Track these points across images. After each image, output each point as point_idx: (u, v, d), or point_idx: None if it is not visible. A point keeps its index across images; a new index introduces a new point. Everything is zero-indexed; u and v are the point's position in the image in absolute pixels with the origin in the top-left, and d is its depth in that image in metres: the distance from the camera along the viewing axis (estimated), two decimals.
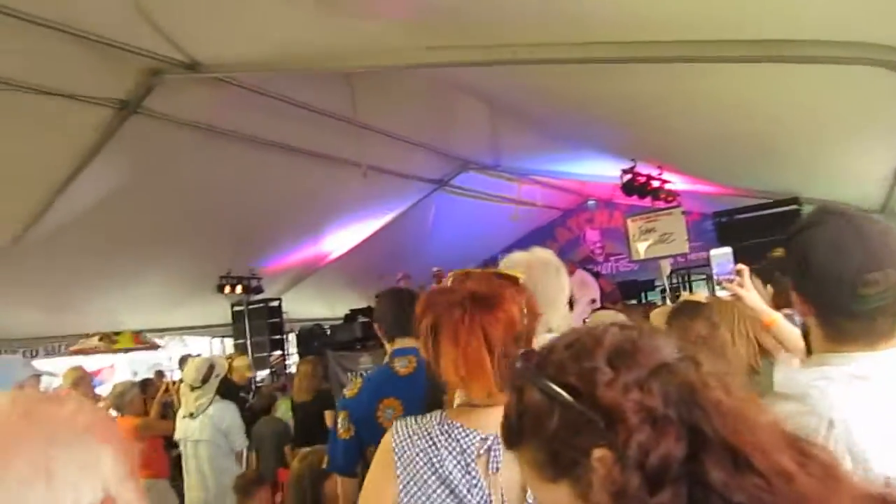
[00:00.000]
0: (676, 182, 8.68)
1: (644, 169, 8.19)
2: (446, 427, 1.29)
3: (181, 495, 5.29)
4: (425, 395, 2.36)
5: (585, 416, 0.70)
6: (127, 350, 7.39)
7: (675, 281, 9.98)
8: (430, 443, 1.28)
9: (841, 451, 1.05)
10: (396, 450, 1.30)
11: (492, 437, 1.23)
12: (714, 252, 2.10)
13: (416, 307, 1.37)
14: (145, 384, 7.60)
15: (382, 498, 1.28)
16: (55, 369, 7.72)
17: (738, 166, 7.48)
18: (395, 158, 8.84)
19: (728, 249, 2.08)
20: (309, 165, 8.18)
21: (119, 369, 13.15)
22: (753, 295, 2.02)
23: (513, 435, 0.80)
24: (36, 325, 8.36)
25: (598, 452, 0.69)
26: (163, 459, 5.26)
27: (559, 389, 0.73)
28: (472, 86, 7.09)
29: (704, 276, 12.60)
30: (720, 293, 2.10)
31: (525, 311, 1.32)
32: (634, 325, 0.81)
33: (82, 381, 5.20)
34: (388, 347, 2.53)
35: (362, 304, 11.54)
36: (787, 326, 2.02)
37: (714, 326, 2.27)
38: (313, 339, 10.82)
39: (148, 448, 5.06)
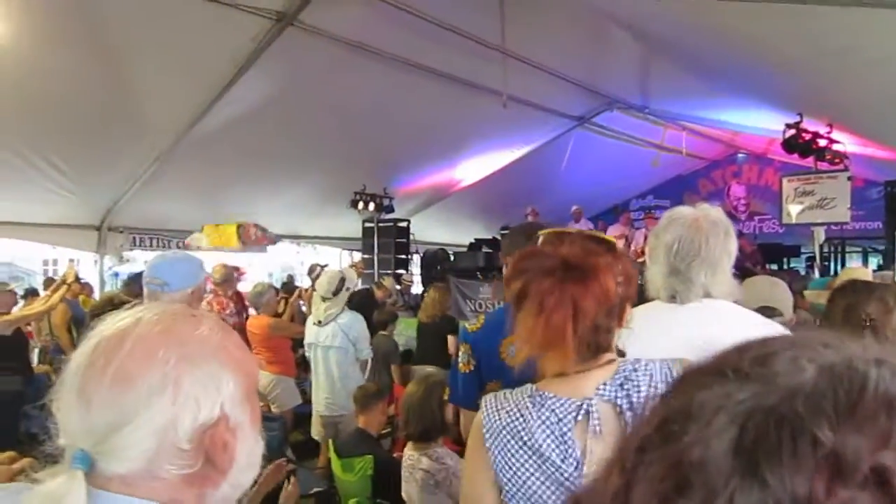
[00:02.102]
0: (845, 142, 7.84)
1: (811, 125, 7.44)
2: (538, 399, 1.24)
3: (303, 393, 5.70)
4: None
5: None
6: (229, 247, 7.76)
7: (826, 251, 9.18)
8: (518, 415, 1.24)
9: None
10: (486, 424, 1.27)
11: (587, 402, 1.19)
12: None
13: (508, 270, 1.32)
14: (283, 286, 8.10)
15: (480, 476, 1.26)
16: (204, 262, 8.44)
17: None
18: (537, 91, 8.58)
19: None
20: (451, 90, 8.13)
21: (255, 270, 14.17)
22: None
23: None
24: (188, 220, 9.06)
25: None
26: (290, 359, 5.64)
27: None
28: (630, 20, 6.66)
29: (860, 249, 11.58)
30: None
31: (620, 279, 1.24)
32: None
33: (230, 278, 5.63)
34: None
35: (487, 235, 11.61)
36: None
37: (888, 310, 1.97)
38: (437, 262, 11.05)
39: (278, 346, 5.45)
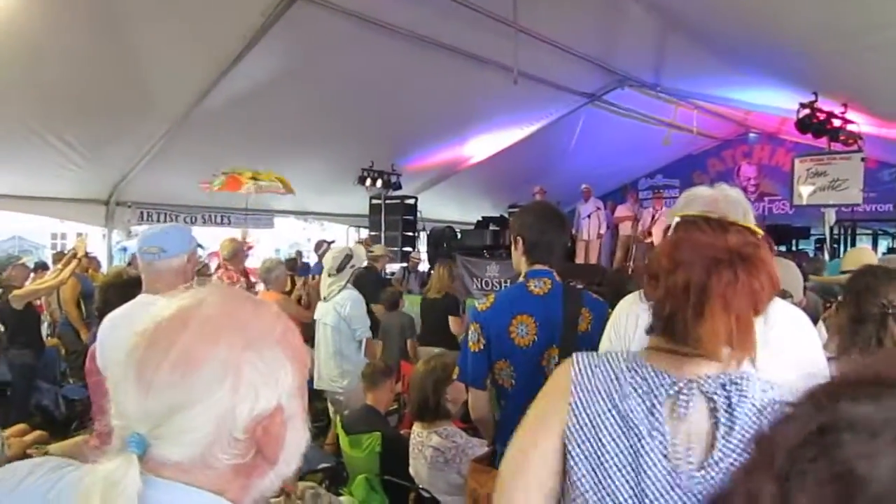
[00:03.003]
0: (860, 123, 7.74)
1: (826, 105, 7.34)
2: (635, 366, 1.21)
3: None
4: (563, 317, 2.32)
5: None
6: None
7: (836, 232, 9.12)
8: (614, 377, 1.21)
9: None
10: (576, 379, 1.23)
11: (683, 382, 1.15)
12: None
13: (662, 259, 1.21)
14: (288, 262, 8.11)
15: (548, 425, 1.23)
16: (210, 237, 8.43)
17: None
18: (549, 67, 8.49)
19: None
20: (461, 66, 8.05)
21: (263, 245, 14.20)
22: None
23: None
24: (196, 195, 9.04)
25: None
26: None
27: None
28: None
29: (870, 232, 11.50)
30: None
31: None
32: None
33: (238, 252, 5.63)
34: (524, 266, 2.47)
35: (495, 213, 11.56)
36: None
37: None
38: (444, 240, 11.04)
39: None
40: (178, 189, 9.09)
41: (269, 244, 14.19)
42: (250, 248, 6.66)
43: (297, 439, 0.85)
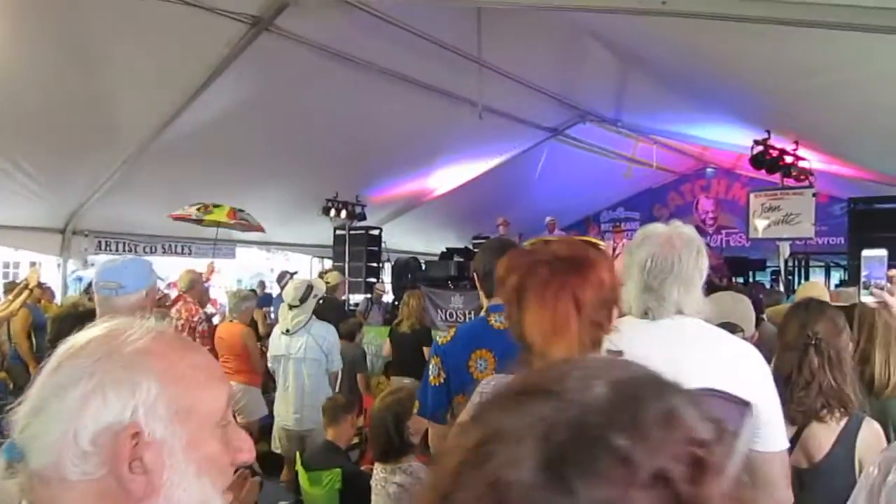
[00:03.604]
0: (811, 160, 8.03)
1: (778, 142, 7.60)
2: None
3: (270, 404, 5.61)
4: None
5: None
6: (219, 224, 7.62)
7: (791, 265, 9.36)
8: None
9: None
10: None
11: None
12: (867, 253, 1.89)
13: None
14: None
15: None
16: (170, 267, 8.29)
17: (882, 150, 6.82)
18: (512, 102, 8.64)
19: (883, 252, 1.87)
20: (427, 99, 8.13)
21: (224, 274, 13.99)
22: None
23: None
24: (156, 224, 8.90)
25: None
26: (258, 368, 5.55)
27: None
28: (604, 34, 6.74)
29: (823, 264, 11.85)
30: (866, 298, 1.89)
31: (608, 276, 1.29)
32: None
33: (196, 284, 5.54)
34: (485, 301, 2.49)
35: (459, 245, 11.60)
36: None
37: (837, 331, 2.09)
38: (408, 271, 11.00)
39: (246, 355, 5.37)
40: (138, 218, 8.92)
41: (230, 274, 13.96)
42: (208, 279, 6.56)
43: (184, 482, 0.78)
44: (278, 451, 4.87)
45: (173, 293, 6.57)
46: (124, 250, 9.05)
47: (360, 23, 6.28)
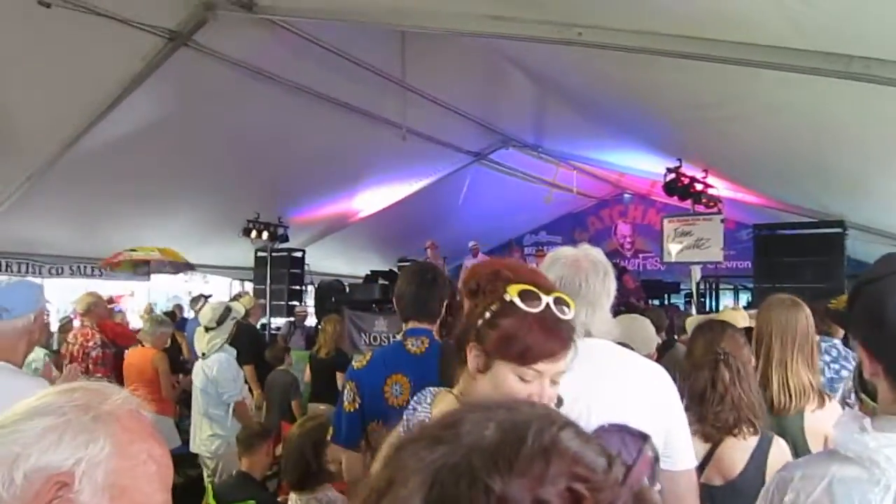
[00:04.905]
0: (719, 187, 8.45)
1: (689, 170, 7.96)
2: None
3: (185, 433, 5.37)
4: (438, 378, 2.31)
5: None
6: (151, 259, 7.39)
7: (702, 288, 9.77)
8: None
9: None
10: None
11: None
12: None
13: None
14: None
15: None
16: (79, 290, 7.87)
17: (785, 180, 7.24)
18: (436, 125, 8.71)
19: None
20: (350, 121, 8.08)
21: (138, 297, 13.38)
22: None
23: None
24: (64, 245, 8.47)
25: None
26: (170, 396, 5.32)
27: None
28: (525, 62, 6.92)
29: (732, 287, 12.44)
30: None
31: None
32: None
33: (96, 307, 5.28)
34: (403, 324, 2.47)
35: (384, 267, 11.54)
36: None
37: (739, 346, 2.22)
38: (332, 294, 10.83)
39: (158, 382, 5.14)
40: (43, 238, 8.43)
41: (145, 298, 13.36)
42: (116, 300, 6.27)
43: None
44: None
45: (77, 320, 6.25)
46: (27, 272, 8.52)
47: (282, 41, 6.21)
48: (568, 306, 1.32)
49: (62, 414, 0.79)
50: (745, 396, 2.10)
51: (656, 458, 1.07)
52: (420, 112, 7.78)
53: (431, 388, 1.50)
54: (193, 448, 4.57)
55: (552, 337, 1.25)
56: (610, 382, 1.67)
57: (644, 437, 0.99)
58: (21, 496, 0.75)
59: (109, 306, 6.41)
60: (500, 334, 1.26)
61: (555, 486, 0.43)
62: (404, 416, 1.46)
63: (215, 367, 4.47)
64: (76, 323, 6.75)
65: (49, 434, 0.77)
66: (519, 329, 1.25)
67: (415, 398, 1.50)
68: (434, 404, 1.42)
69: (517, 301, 1.26)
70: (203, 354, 4.58)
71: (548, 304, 1.28)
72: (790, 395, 2.32)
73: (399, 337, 2.44)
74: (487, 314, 1.29)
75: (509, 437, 0.46)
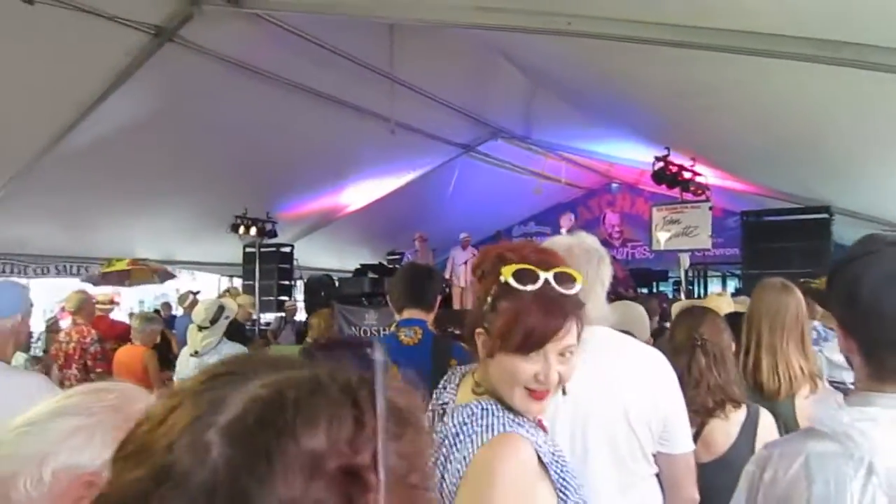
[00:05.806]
0: (707, 175, 8.50)
1: (677, 158, 8.00)
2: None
3: None
4: (431, 369, 2.32)
5: None
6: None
7: (691, 275, 9.84)
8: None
9: (881, 502, 0.97)
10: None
11: None
12: None
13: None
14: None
15: None
16: (65, 289, 7.82)
17: (772, 167, 7.30)
18: (425, 118, 8.70)
19: None
20: (338, 114, 8.06)
21: (125, 298, 13.28)
22: None
23: None
24: (49, 243, 8.39)
25: None
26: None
27: None
28: (514, 53, 6.92)
29: (720, 274, 12.53)
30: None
31: None
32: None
33: (85, 306, 5.24)
34: (397, 315, 2.48)
35: (373, 261, 11.53)
36: None
37: (719, 331, 2.27)
38: (321, 288, 10.82)
39: (147, 379, 5.11)
40: (29, 237, 8.34)
41: (132, 296, 13.27)
42: (114, 303, 6.24)
43: None
44: None
45: (67, 320, 6.20)
46: (13, 273, 8.44)
47: (269, 35, 6.17)
48: (573, 280, 1.29)
49: (91, 414, 0.82)
50: (721, 381, 2.15)
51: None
52: (409, 105, 7.76)
53: (461, 368, 1.48)
54: None
55: (551, 314, 1.23)
56: (611, 369, 1.69)
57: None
58: (49, 494, 0.76)
59: (108, 306, 6.38)
60: (501, 321, 1.25)
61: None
62: (433, 395, 1.45)
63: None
64: (63, 323, 6.71)
65: (79, 434, 0.80)
66: (518, 311, 1.23)
67: (444, 377, 1.50)
68: (460, 385, 1.42)
69: (512, 282, 1.24)
70: (196, 352, 4.55)
71: (546, 281, 1.25)
72: (780, 380, 2.34)
73: (392, 328, 2.44)
74: (489, 299, 1.29)
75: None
